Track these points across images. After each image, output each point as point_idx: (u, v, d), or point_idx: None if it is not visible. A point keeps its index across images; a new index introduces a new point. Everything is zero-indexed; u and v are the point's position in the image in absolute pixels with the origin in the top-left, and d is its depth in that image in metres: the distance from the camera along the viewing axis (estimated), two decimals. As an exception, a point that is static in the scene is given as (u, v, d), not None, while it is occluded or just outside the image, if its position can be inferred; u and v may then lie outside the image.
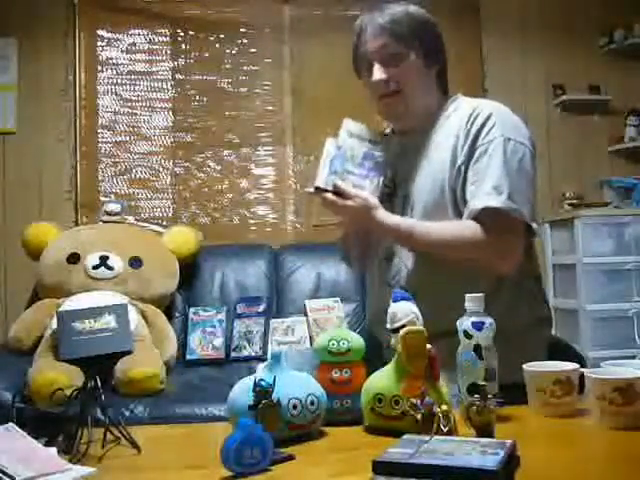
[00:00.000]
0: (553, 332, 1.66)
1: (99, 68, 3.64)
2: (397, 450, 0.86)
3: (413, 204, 1.51)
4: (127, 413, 1.97)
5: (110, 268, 2.51)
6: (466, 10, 3.80)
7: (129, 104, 3.67)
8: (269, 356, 1.11)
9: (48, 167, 3.53)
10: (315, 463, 0.97)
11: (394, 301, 1.15)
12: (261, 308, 2.67)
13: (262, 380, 1.00)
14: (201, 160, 3.71)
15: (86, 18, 3.59)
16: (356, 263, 1.74)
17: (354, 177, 1.48)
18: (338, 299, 2.64)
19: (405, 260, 1.52)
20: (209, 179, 3.71)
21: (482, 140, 1.44)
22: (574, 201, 3.70)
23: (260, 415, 0.97)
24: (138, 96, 3.68)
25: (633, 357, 2.47)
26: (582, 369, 1.17)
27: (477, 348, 1.14)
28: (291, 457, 0.96)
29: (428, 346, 1.06)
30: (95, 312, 2.24)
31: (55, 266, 2.53)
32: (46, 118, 3.54)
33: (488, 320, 1.16)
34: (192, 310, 2.69)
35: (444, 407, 0.99)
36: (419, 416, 0.99)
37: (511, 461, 0.86)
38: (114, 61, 3.67)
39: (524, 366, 1.21)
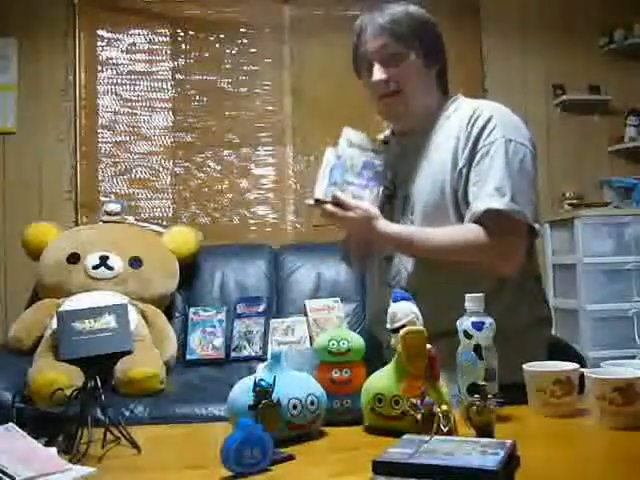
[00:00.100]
0: (553, 332, 1.66)
1: (99, 68, 3.64)
2: (397, 450, 0.86)
3: (413, 205, 1.51)
4: (127, 413, 1.97)
5: (110, 268, 2.51)
6: (466, 10, 3.80)
7: (129, 104, 3.67)
8: (269, 356, 1.11)
9: (48, 167, 3.53)
10: (315, 463, 0.97)
11: (394, 301, 1.15)
12: (261, 308, 2.67)
13: (262, 380, 1.00)
14: (201, 160, 3.71)
15: (86, 18, 3.59)
16: (356, 263, 1.74)
17: (353, 187, 1.48)
18: (338, 299, 2.63)
19: (405, 260, 1.52)
20: (209, 179, 3.71)
21: (483, 142, 1.44)
22: (574, 201, 3.70)
23: (260, 415, 0.97)
24: (138, 96, 3.68)
25: (633, 357, 2.47)
26: (582, 369, 1.17)
27: (477, 348, 1.14)
28: (291, 457, 0.96)
29: (428, 346, 1.06)
30: (95, 312, 2.24)
31: (55, 266, 2.53)
32: (46, 118, 3.54)
33: (488, 320, 1.16)
34: (192, 310, 2.69)
35: (444, 407, 0.99)
36: (419, 416, 0.99)
37: (511, 461, 0.86)
38: (114, 61, 3.67)
39: (524, 366, 1.21)
